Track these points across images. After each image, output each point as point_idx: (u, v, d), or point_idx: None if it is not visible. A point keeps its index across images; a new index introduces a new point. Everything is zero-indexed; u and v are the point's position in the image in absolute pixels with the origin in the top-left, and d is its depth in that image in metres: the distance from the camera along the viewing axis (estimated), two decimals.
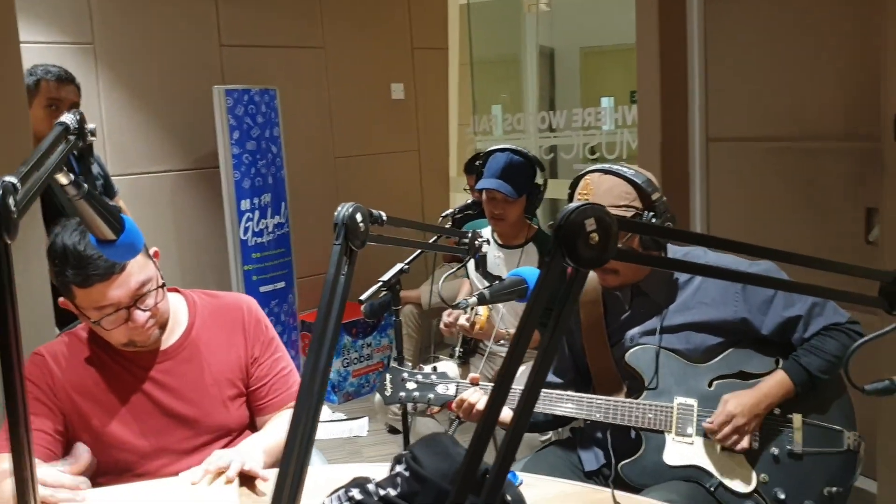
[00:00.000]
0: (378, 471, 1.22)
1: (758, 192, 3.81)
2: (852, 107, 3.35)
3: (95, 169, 3.30)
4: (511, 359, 0.82)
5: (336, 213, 1.18)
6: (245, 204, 4.50)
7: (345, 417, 4.55)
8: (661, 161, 4.02)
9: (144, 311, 1.82)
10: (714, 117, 4.00)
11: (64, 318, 2.72)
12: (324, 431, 4.38)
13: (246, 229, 4.52)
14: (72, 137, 1.25)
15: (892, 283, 1.02)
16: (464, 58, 6.23)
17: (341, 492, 0.88)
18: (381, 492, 0.87)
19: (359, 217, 1.18)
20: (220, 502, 1.60)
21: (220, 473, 1.72)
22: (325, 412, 4.57)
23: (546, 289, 0.80)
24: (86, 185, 1.30)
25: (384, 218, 1.30)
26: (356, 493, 0.87)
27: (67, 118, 1.25)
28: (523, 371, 2.46)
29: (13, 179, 0.96)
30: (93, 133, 1.32)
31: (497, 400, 0.81)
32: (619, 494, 1.63)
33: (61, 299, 1.82)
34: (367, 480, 0.90)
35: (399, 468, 0.89)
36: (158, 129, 4.56)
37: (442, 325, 3.11)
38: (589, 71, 6.14)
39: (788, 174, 3.66)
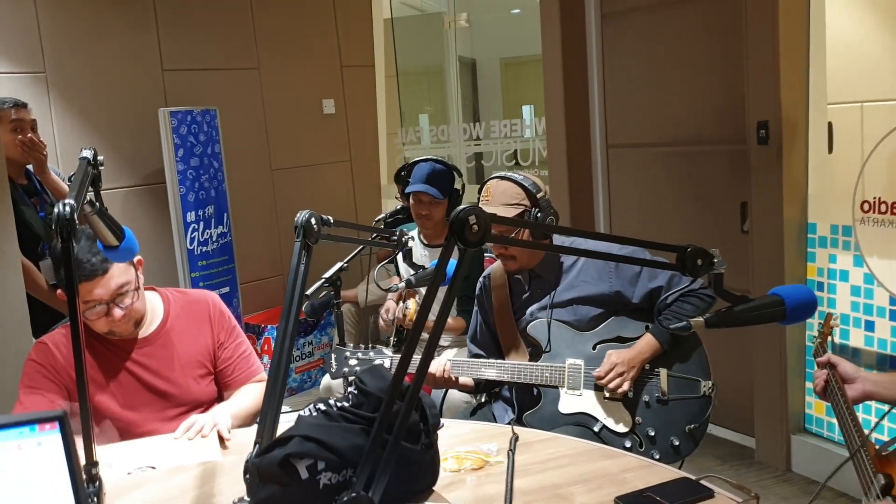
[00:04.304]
0: None
1: (651, 190, 4.32)
2: (725, 115, 3.89)
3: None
4: (422, 310, 1.25)
5: (296, 219, 1.61)
6: (190, 216, 4.86)
7: (289, 410, 4.90)
8: (568, 166, 4.51)
9: (122, 308, 2.21)
10: (612, 126, 4.50)
11: (39, 323, 3.11)
12: None
13: (192, 239, 4.88)
14: (90, 169, 1.66)
15: (683, 254, 1.48)
16: (390, 70, 6.61)
17: (311, 406, 1.30)
18: (339, 404, 1.29)
19: (313, 221, 1.62)
20: (203, 448, 2.02)
21: (196, 433, 2.14)
22: None
23: (444, 261, 1.25)
24: (97, 204, 1.70)
25: (331, 221, 1.73)
26: (321, 406, 1.28)
27: (87, 153, 1.65)
28: (455, 353, 3.06)
29: (71, 201, 1.36)
30: (102, 163, 1.72)
31: (411, 343, 1.25)
32: (521, 429, 2.07)
33: (59, 291, 2.22)
34: (329, 398, 1.32)
35: (350, 389, 1.31)
36: (108, 149, 4.86)
37: (381, 321, 3.53)
38: (510, 80, 6.61)
39: (675, 175, 4.18)
